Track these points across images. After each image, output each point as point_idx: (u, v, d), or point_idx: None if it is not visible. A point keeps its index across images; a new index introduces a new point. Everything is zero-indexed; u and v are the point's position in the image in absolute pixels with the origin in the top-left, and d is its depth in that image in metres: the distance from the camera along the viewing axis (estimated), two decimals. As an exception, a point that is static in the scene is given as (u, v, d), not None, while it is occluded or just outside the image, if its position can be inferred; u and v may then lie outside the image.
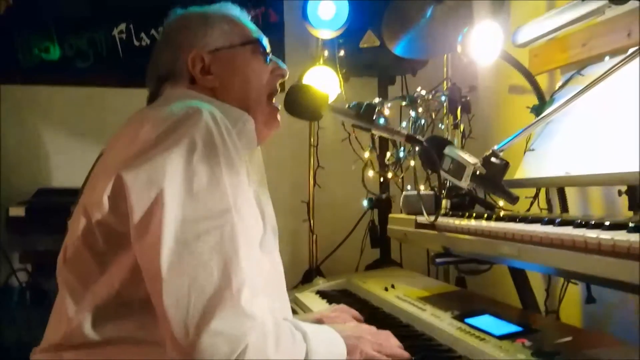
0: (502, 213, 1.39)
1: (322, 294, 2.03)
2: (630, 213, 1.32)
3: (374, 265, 2.54)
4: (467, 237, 1.34)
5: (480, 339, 1.20)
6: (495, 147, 1.38)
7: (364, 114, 1.28)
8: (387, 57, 2.23)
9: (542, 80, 2.03)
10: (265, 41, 1.28)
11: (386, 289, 1.79)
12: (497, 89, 2.40)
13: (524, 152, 1.64)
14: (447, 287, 1.83)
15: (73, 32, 2.57)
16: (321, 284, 2.21)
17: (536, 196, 1.79)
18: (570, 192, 1.89)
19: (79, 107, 2.53)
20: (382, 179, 2.32)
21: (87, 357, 0.91)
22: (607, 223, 0.98)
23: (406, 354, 1.16)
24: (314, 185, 2.57)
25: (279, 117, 1.27)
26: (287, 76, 1.29)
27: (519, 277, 1.58)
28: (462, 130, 1.96)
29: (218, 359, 0.79)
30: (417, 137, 1.28)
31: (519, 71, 1.77)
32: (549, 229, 1.08)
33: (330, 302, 1.87)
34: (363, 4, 2.27)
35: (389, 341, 1.19)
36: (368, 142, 2.19)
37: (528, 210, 1.82)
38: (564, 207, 1.73)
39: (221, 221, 0.87)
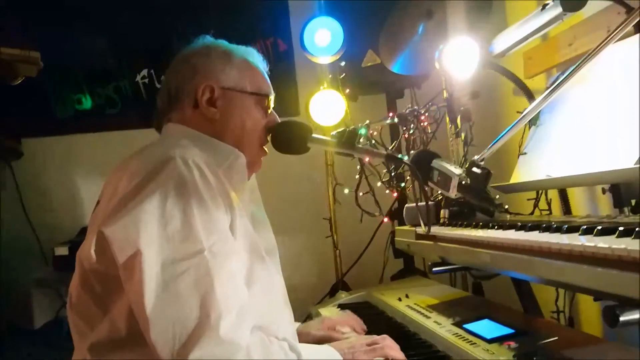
0: (482, 221, 1.43)
1: (343, 307, 2.11)
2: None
3: (399, 275, 2.59)
4: (454, 246, 1.40)
5: (471, 343, 1.26)
6: (476, 157, 1.44)
7: (346, 141, 1.36)
8: (390, 73, 2.31)
9: (541, 82, 2.05)
10: (272, 98, 1.37)
11: (400, 299, 1.85)
12: (501, 93, 2.42)
13: (518, 156, 1.68)
14: (458, 293, 1.86)
15: (101, 83, 2.82)
16: (343, 297, 2.30)
17: (538, 198, 1.80)
18: (578, 192, 1.89)
19: (111, 150, 2.75)
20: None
21: None
22: (565, 227, 1.02)
23: (400, 357, 1.23)
24: (334, 202, 2.65)
25: (261, 160, 1.36)
26: None
27: (519, 281, 1.60)
28: (463, 138, 2.00)
29: None
30: (396, 155, 1.34)
31: (506, 77, 1.81)
32: (518, 235, 1.13)
33: (348, 315, 1.95)
34: (360, 26, 2.36)
35: (385, 342, 1.26)
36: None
37: (532, 212, 1.83)
38: (566, 208, 1.74)
39: (195, 261, 0.96)
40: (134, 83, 2.83)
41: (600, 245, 0.83)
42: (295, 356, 1.05)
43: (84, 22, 2.75)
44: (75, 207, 2.70)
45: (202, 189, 1.04)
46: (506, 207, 1.95)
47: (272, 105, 1.37)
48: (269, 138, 1.36)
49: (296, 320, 1.71)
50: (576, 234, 0.97)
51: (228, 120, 1.28)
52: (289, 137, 1.35)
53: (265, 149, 1.36)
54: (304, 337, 1.56)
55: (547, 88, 1.70)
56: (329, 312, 2.09)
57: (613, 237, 0.88)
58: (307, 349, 1.14)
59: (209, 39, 1.37)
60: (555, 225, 1.05)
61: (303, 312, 2.38)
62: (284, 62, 2.94)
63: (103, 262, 1.01)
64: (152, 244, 0.96)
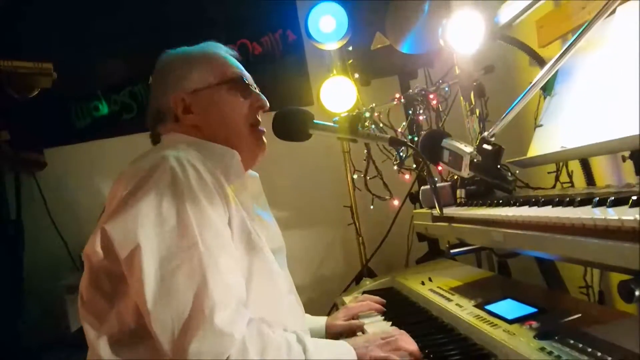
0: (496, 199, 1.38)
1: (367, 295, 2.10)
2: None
3: (424, 258, 2.55)
4: (468, 226, 1.36)
5: (492, 325, 1.22)
6: (486, 134, 1.39)
7: (348, 126, 1.34)
8: (401, 54, 2.26)
9: (556, 50, 1.96)
10: (246, 78, 1.37)
11: (423, 283, 1.82)
12: (516, 65, 2.33)
13: (534, 128, 1.61)
14: (483, 274, 1.82)
15: (116, 89, 2.87)
16: (368, 284, 2.28)
17: (558, 171, 1.73)
18: (602, 162, 1.81)
19: (131, 153, 2.76)
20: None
21: None
22: (577, 200, 0.97)
23: (414, 349, 1.20)
24: (354, 190, 2.62)
25: (264, 139, 1.36)
26: (268, 107, 1.37)
27: (542, 258, 1.55)
28: (477, 114, 1.94)
29: None
30: (400, 138, 1.31)
31: (517, 47, 1.74)
32: (530, 212, 1.08)
33: (372, 302, 1.93)
34: (366, 9, 2.31)
35: (400, 336, 1.23)
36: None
37: (554, 186, 1.77)
38: (589, 179, 1.66)
39: (190, 255, 1.00)
40: (148, 86, 2.84)
41: (610, 217, 0.78)
42: (300, 348, 1.05)
43: (94, 29, 2.78)
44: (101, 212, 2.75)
45: (197, 186, 1.07)
46: (526, 182, 1.90)
47: (251, 84, 1.36)
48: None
49: (323, 310, 1.72)
50: (589, 207, 0.92)
51: (209, 120, 1.31)
52: (290, 124, 1.34)
53: (263, 128, 1.36)
54: (331, 329, 1.57)
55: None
56: (351, 300, 2.08)
57: (626, 207, 0.83)
58: (320, 342, 1.13)
59: (167, 53, 1.39)
60: (568, 199, 1.01)
61: (331, 302, 2.38)
62: (295, 53, 2.91)
63: (109, 257, 1.04)
64: (149, 241, 1.00)
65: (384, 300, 1.70)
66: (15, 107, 2.35)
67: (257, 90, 1.38)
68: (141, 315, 1.01)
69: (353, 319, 1.61)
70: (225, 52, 1.40)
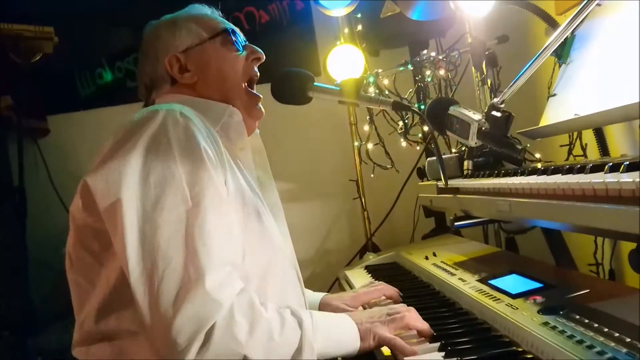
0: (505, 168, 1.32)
1: (370, 269, 2.07)
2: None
3: (431, 234, 2.50)
4: (474, 197, 1.30)
5: (494, 299, 1.18)
6: (495, 100, 1.32)
7: (350, 89, 1.28)
8: (412, 23, 2.17)
9: (574, 17, 1.86)
10: (238, 31, 1.32)
11: (426, 258, 1.78)
12: (532, 35, 2.24)
13: (547, 98, 1.54)
14: (488, 250, 1.77)
15: (120, 56, 2.81)
16: (371, 258, 2.25)
17: (572, 143, 1.66)
18: (617, 133, 1.73)
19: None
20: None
21: (95, 350, 1.01)
22: (589, 166, 0.91)
23: (424, 326, 1.12)
24: (360, 163, 2.57)
25: (260, 106, 1.30)
26: (264, 58, 1.31)
27: (551, 232, 1.49)
28: (489, 85, 1.86)
29: (186, 341, 0.86)
30: (405, 103, 1.25)
31: (533, 13, 1.65)
32: (538, 179, 1.02)
33: (375, 276, 1.90)
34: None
35: (407, 313, 1.15)
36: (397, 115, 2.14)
37: (567, 158, 1.69)
38: (604, 150, 1.59)
39: (175, 213, 0.93)
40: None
41: (623, 180, 0.72)
42: (295, 321, 0.98)
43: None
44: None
45: (189, 141, 1.01)
46: (538, 157, 1.83)
47: (241, 36, 1.32)
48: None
49: (325, 283, 1.66)
50: (601, 173, 0.86)
51: (206, 75, 1.26)
52: (288, 86, 1.29)
53: (260, 95, 1.31)
54: (323, 308, 1.42)
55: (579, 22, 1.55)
56: (354, 274, 2.05)
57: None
58: (318, 316, 1.06)
59: (150, 24, 1.35)
60: (578, 166, 0.94)
61: (333, 276, 2.35)
62: (303, 22, 2.82)
63: (93, 215, 0.99)
64: (132, 195, 0.94)
65: (400, 293, 1.48)
66: (18, 73, 2.32)
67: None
68: (124, 279, 0.95)
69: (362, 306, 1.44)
70: (211, 12, 1.35)
